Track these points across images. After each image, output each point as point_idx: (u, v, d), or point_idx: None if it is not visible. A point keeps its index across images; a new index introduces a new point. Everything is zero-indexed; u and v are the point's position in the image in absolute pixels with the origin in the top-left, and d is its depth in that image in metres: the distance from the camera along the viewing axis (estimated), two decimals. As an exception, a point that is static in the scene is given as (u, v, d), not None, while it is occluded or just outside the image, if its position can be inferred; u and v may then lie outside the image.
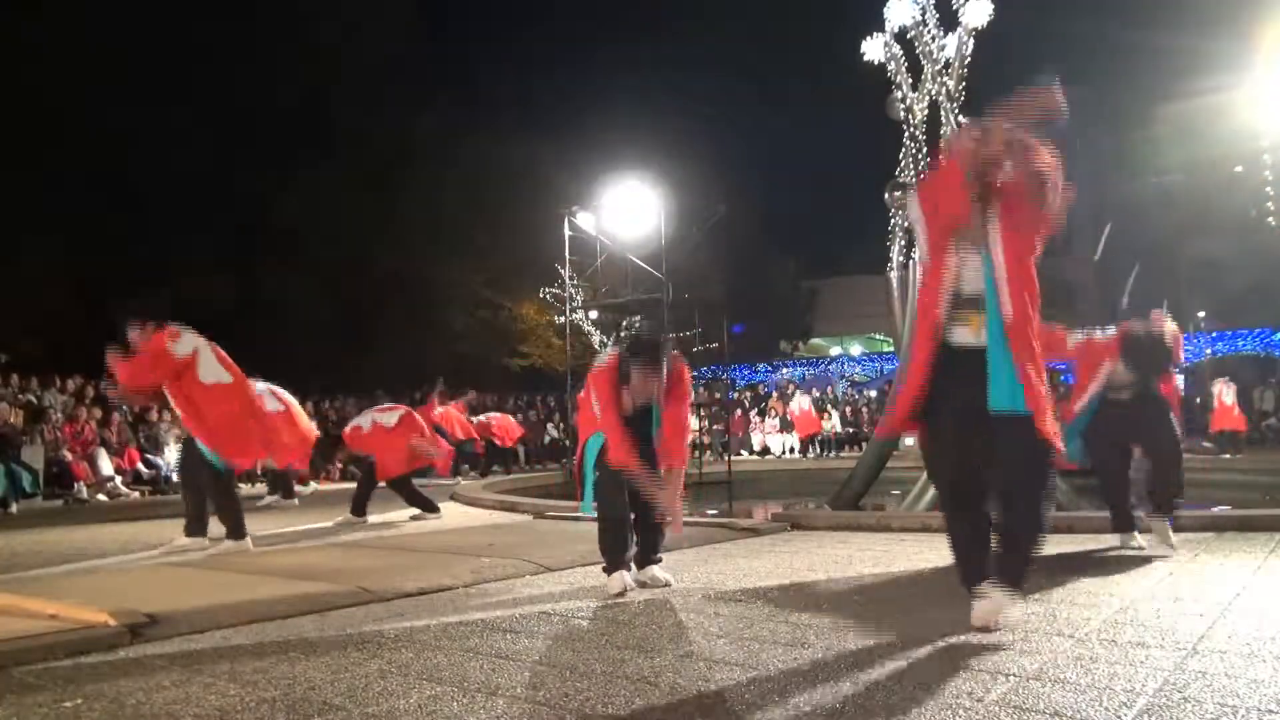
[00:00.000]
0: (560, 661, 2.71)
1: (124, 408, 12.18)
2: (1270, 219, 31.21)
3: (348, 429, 7.82)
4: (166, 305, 5.60)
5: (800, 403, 19.69)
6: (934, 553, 4.63)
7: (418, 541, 5.80)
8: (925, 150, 8.80)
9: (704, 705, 2.26)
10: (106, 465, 11.18)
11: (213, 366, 5.41)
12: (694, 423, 15.50)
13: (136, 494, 11.38)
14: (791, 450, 19.37)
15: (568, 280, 13.39)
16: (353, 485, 9.46)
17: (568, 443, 14.80)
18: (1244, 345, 26.11)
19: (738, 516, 7.36)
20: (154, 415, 12.50)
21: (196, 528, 5.52)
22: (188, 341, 5.39)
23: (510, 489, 9.94)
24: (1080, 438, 4.84)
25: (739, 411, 20.88)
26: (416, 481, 7.72)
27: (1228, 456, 14.40)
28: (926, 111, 8.75)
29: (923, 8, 8.66)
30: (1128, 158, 36.40)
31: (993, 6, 8.28)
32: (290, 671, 2.66)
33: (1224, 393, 16.42)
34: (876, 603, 3.56)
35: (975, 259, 2.86)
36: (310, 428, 7.65)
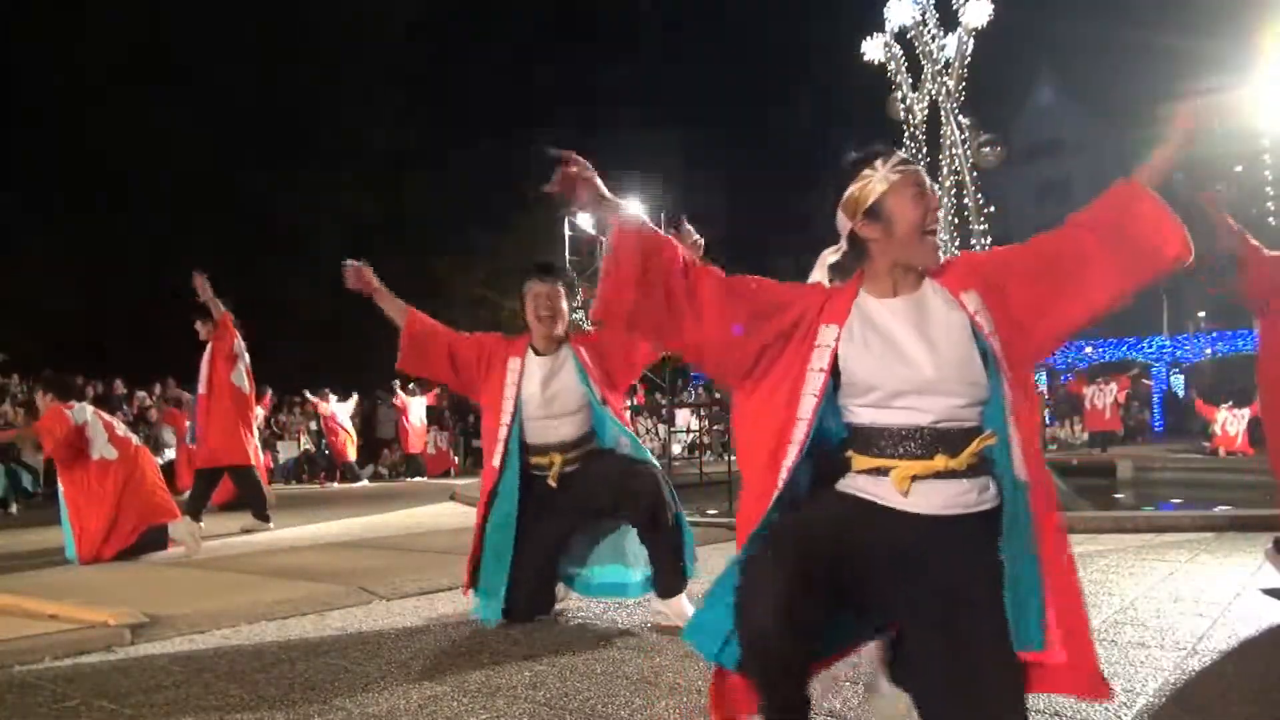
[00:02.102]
0: (560, 661, 2.71)
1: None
2: (1270, 219, 31.20)
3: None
4: None
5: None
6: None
7: (418, 541, 5.80)
8: (925, 150, 8.81)
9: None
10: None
11: None
12: (694, 423, 15.56)
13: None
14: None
15: (566, 280, 13.40)
16: (350, 485, 9.43)
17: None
18: (1244, 345, 26.08)
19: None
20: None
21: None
22: None
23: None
24: None
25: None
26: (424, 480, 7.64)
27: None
28: (926, 111, 8.77)
29: (923, 8, 8.67)
30: (1128, 158, 36.39)
31: (993, 6, 8.29)
32: (290, 671, 2.66)
33: (1095, 395, 16.46)
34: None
35: None
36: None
